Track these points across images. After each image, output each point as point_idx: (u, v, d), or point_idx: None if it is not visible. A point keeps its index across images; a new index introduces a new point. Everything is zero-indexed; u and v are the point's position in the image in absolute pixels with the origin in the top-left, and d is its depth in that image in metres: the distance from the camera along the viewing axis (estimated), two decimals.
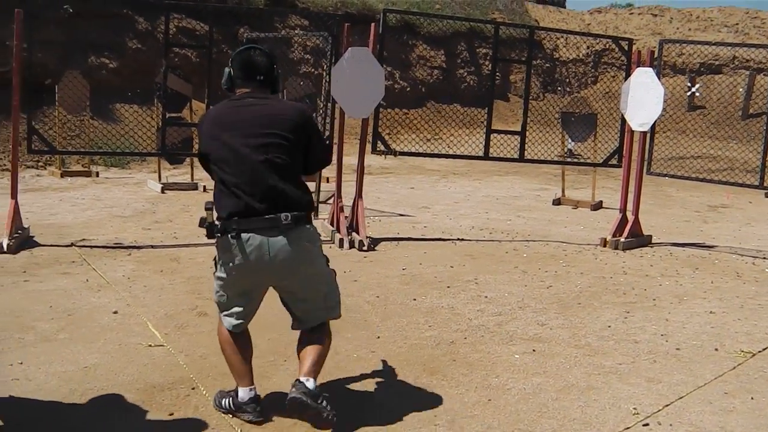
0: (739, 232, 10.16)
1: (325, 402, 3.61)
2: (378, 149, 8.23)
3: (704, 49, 21.13)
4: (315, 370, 3.72)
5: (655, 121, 8.63)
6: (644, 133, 8.75)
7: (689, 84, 22.95)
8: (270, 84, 3.89)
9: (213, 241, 3.72)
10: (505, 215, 10.38)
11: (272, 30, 16.55)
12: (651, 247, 8.65)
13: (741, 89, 21.29)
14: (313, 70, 17.70)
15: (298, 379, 3.65)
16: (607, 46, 25.42)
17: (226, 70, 3.90)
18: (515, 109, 22.32)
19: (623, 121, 8.94)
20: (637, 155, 8.80)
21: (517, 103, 22.80)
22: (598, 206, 11.43)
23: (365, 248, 7.67)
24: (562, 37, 25.26)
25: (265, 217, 3.62)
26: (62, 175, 12.14)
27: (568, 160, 12.21)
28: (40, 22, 13.69)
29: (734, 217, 11.41)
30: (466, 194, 12.26)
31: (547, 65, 25.45)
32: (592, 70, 25.96)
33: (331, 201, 8.79)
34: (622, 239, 8.46)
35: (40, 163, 12.76)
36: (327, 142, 4.79)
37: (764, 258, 8.38)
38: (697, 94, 22.18)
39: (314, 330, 3.84)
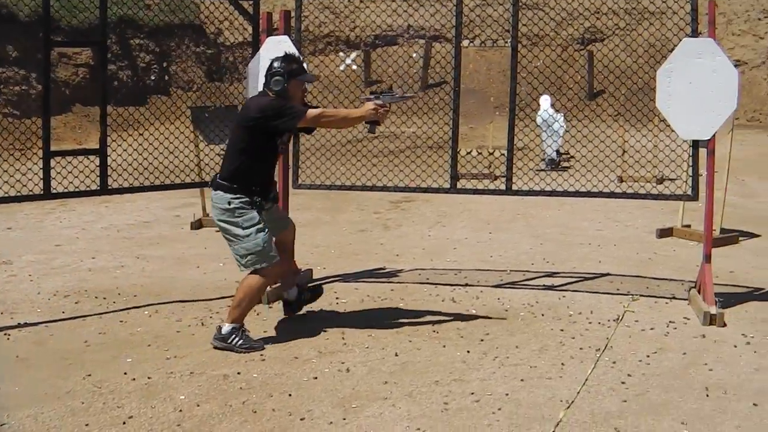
0: (429, 239, 7.90)
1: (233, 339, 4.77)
2: None
3: (377, 20, 19.22)
4: (229, 314, 4.85)
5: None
6: None
7: (342, 54, 20.99)
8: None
9: None
10: (118, 259, 7.25)
11: None
12: (310, 291, 5.95)
13: (418, 58, 19.62)
14: None
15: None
16: (276, 24, 22.85)
17: None
18: (179, 104, 19.09)
19: None
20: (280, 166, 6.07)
21: (180, 97, 19.64)
22: None
23: None
24: (227, 20, 22.23)
25: None
26: None
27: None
28: None
29: (422, 215, 9.19)
30: (80, 228, 8.82)
31: (210, 51, 22.50)
32: None
33: None
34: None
35: None
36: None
37: (465, 285, 6.04)
38: (354, 66, 20.20)
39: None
